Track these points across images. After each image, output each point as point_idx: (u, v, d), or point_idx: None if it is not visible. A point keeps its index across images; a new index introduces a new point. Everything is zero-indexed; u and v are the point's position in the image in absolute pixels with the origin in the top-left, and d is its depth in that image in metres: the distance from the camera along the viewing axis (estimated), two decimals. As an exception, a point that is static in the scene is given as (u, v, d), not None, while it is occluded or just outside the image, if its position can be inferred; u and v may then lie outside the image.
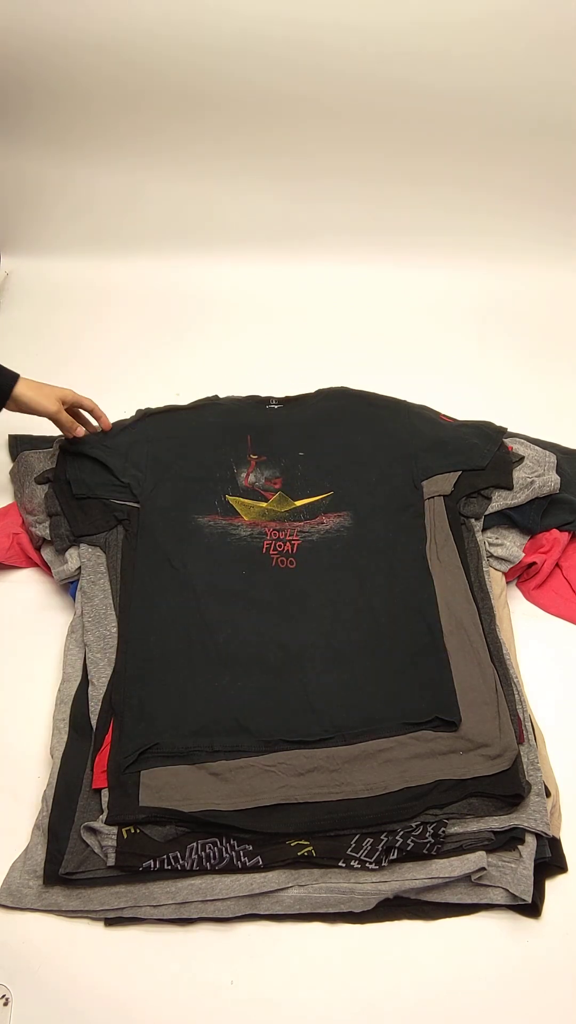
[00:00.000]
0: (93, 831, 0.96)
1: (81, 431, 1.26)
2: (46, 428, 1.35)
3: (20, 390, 1.16)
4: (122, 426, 1.31)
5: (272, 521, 1.22)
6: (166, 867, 0.94)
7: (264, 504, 1.23)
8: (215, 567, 1.16)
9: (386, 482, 1.25)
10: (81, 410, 1.27)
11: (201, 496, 1.23)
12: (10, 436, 1.39)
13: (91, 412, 1.28)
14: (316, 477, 1.26)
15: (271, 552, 1.18)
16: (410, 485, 1.24)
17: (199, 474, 1.25)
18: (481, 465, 1.25)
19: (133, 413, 1.35)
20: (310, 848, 0.94)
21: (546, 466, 1.27)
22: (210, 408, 1.36)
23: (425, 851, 0.94)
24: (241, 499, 1.24)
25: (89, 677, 1.08)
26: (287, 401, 1.37)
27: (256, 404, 1.37)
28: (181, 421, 1.33)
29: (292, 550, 1.18)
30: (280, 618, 1.12)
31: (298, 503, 1.24)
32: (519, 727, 1.03)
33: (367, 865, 0.94)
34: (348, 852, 0.94)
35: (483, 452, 1.27)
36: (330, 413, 1.34)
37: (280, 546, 1.19)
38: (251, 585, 1.15)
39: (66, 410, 1.22)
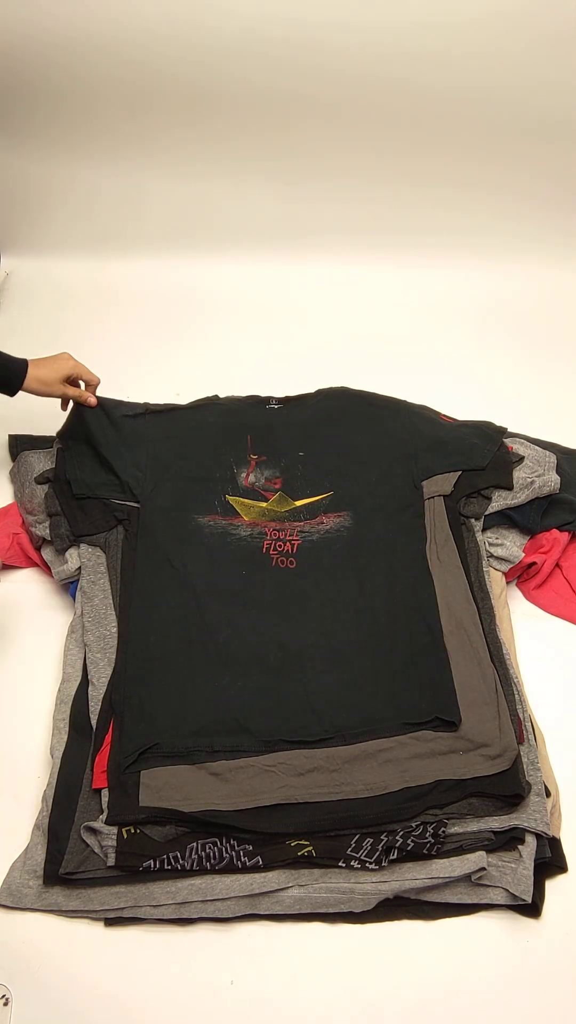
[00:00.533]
0: (93, 831, 0.95)
1: (94, 400, 1.27)
2: (46, 428, 1.35)
3: (28, 383, 1.19)
4: (123, 414, 1.30)
5: (272, 521, 1.22)
6: (166, 867, 0.94)
7: (264, 504, 1.23)
8: (215, 567, 1.16)
9: (386, 482, 1.25)
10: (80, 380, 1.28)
11: (201, 496, 1.23)
12: (10, 436, 1.39)
13: (87, 383, 1.28)
14: (316, 477, 1.26)
15: (271, 552, 1.18)
16: (410, 485, 1.24)
17: (199, 474, 1.25)
18: (481, 465, 1.25)
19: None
20: (310, 848, 0.94)
21: (546, 466, 1.27)
22: (210, 408, 1.36)
23: (425, 851, 0.94)
24: (241, 499, 1.23)
25: (89, 677, 1.08)
26: (287, 401, 1.37)
27: (256, 404, 1.36)
28: (181, 421, 1.33)
29: (292, 550, 1.18)
30: (280, 618, 1.12)
31: (298, 503, 1.24)
32: (519, 727, 1.03)
33: (367, 865, 0.94)
34: (348, 852, 0.94)
35: (483, 452, 1.27)
36: (330, 413, 1.34)
37: (280, 546, 1.19)
38: (251, 585, 1.15)
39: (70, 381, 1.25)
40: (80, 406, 1.27)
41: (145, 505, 1.21)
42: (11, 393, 1.20)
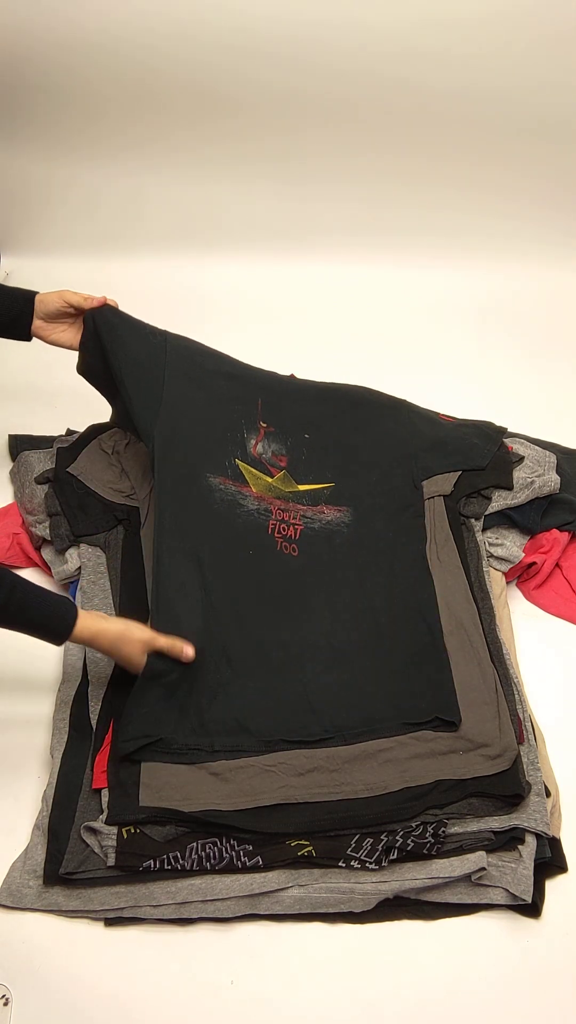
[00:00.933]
0: (93, 831, 0.95)
1: (99, 299, 1.16)
2: (46, 428, 1.35)
3: (37, 304, 1.15)
4: (144, 330, 1.22)
5: (278, 499, 1.20)
6: (166, 867, 0.94)
7: (270, 479, 1.21)
8: (223, 545, 1.13)
9: (386, 482, 1.25)
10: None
11: (214, 454, 1.19)
12: (10, 436, 1.39)
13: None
14: (319, 465, 1.25)
15: (275, 535, 1.17)
16: (410, 485, 1.24)
17: (212, 430, 1.21)
18: (481, 465, 1.25)
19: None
20: (310, 848, 0.94)
21: (546, 466, 1.27)
22: (222, 359, 1.30)
23: (425, 851, 0.94)
24: (250, 467, 1.21)
25: (89, 677, 1.08)
26: (291, 376, 1.36)
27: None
28: (196, 359, 1.26)
29: (295, 535, 1.17)
30: (282, 614, 1.11)
31: (301, 487, 1.22)
32: (519, 727, 1.03)
33: (367, 865, 0.94)
34: (348, 852, 0.94)
35: (483, 452, 1.27)
36: (333, 406, 1.32)
37: (284, 529, 1.17)
38: (256, 571, 1.13)
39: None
40: (92, 318, 1.15)
41: (157, 457, 1.14)
42: (25, 329, 1.15)
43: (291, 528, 1.18)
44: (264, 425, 1.25)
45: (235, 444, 1.22)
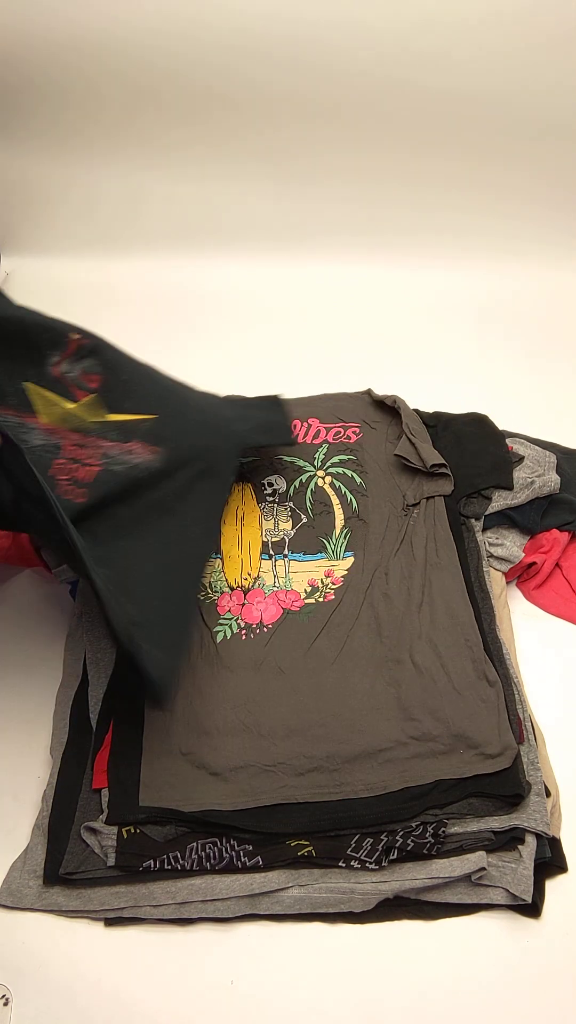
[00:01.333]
0: (93, 831, 0.96)
1: None
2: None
3: None
4: None
5: (75, 432, 0.94)
6: (166, 867, 0.94)
7: (70, 406, 0.94)
8: None
9: (204, 437, 1.07)
10: None
11: None
12: (10, 436, 1.38)
13: None
14: (142, 391, 1.01)
15: (59, 477, 0.91)
16: (230, 452, 1.10)
17: None
18: (287, 440, 1.22)
19: None
20: (310, 848, 0.94)
21: (546, 466, 1.27)
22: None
23: (425, 851, 0.94)
24: (43, 391, 0.93)
25: (89, 677, 1.08)
26: None
27: None
28: None
29: (88, 479, 0.92)
30: None
31: (111, 417, 0.97)
32: (519, 727, 1.03)
33: (367, 865, 0.94)
34: (348, 852, 0.94)
35: (282, 425, 1.21)
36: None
37: (73, 470, 0.92)
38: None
39: None
40: None
41: None
42: None
43: (83, 469, 0.93)
44: (77, 336, 0.97)
45: (26, 364, 0.94)
